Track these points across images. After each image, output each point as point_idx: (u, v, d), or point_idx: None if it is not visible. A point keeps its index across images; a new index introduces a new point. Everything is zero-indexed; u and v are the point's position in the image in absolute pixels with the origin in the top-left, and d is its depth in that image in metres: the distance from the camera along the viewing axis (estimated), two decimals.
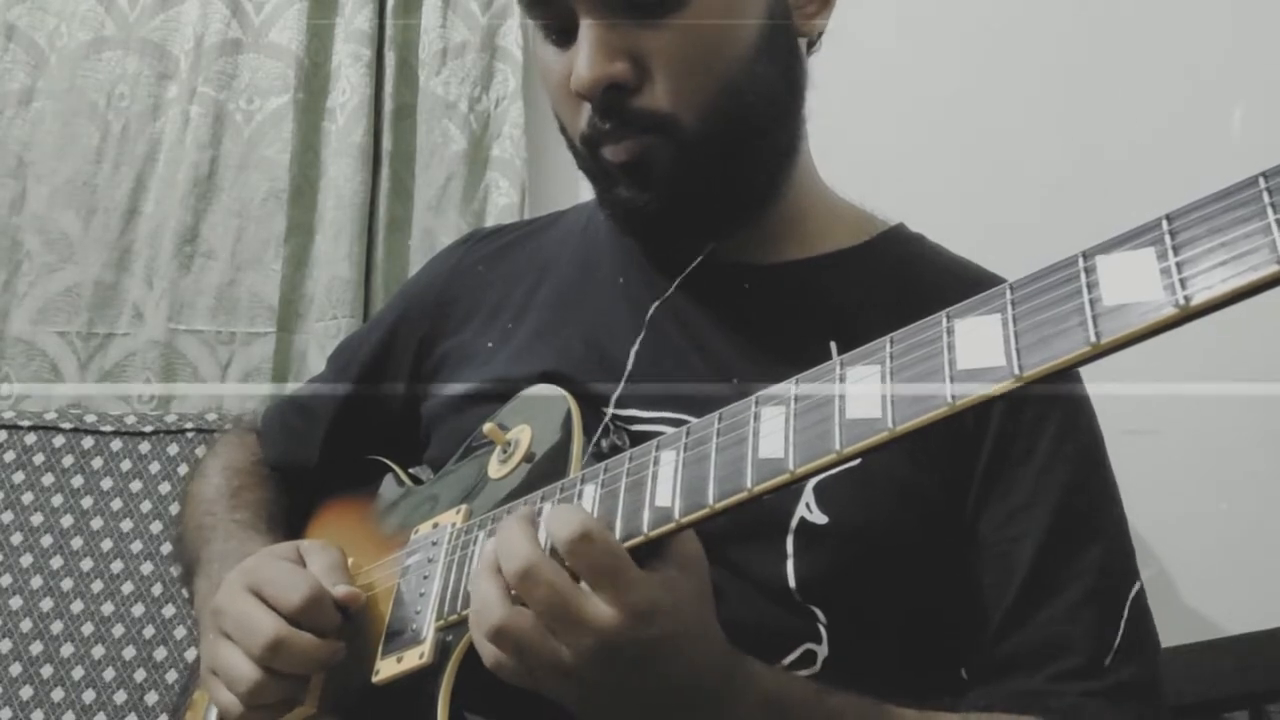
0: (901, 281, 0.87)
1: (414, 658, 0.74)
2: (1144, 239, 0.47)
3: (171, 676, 1.29)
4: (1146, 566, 0.83)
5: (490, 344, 0.94)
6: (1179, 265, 0.45)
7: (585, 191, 0.99)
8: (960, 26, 1.57)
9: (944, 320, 0.54)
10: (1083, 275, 0.49)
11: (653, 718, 0.65)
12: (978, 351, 0.51)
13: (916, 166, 1.51)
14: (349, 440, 1.03)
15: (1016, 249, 1.08)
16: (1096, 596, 0.78)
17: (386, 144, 1.72)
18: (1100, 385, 0.88)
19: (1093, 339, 0.47)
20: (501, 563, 0.63)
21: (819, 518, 0.77)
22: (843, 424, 0.55)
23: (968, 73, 1.56)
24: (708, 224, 0.86)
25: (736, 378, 0.83)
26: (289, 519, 1.01)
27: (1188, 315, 0.45)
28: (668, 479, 0.63)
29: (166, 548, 1.34)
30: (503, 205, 1.70)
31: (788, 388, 0.60)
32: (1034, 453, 0.81)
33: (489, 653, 0.65)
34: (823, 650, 0.77)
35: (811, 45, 0.89)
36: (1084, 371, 0.74)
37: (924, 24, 1.58)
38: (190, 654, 1.30)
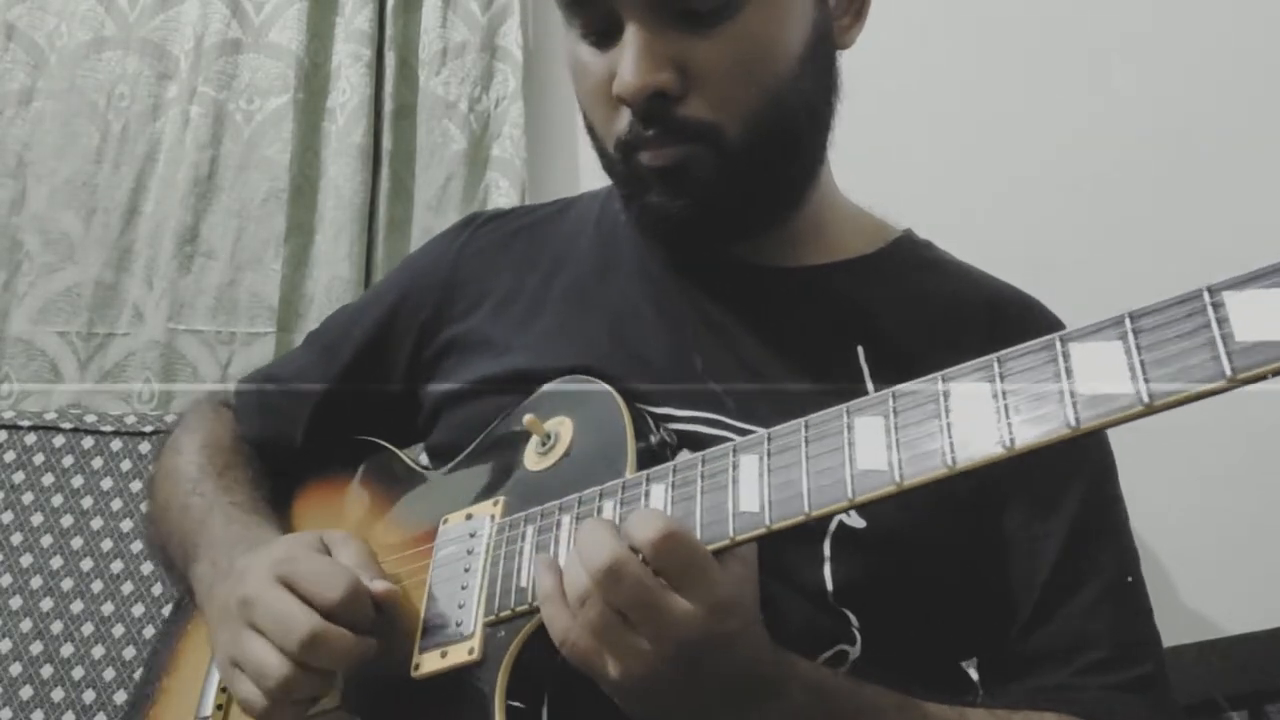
0: (920, 288, 0.89)
1: (462, 653, 0.73)
2: (1276, 278, 0.49)
3: None
4: (1146, 566, 0.84)
5: (505, 333, 0.93)
6: None
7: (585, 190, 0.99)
8: (976, 32, 1.57)
9: (1058, 344, 0.55)
10: (1210, 310, 0.50)
11: (711, 708, 0.66)
12: (1099, 377, 0.53)
13: (929, 172, 1.51)
14: (336, 421, 1.01)
15: (1017, 255, 1.09)
16: (1114, 593, 0.80)
17: (386, 144, 1.72)
18: None
19: (1228, 373, 0.49)
20: (584, 558, 0.64)
21: (857, 522, 0.78)
22: (953, 441, 0.56)
23: (981, 79, 1.55)
24: (736, 231, 0.86)
25: (767, 379, 0.83)
26: (277, 500, 0.99)
27: None
28: (751, 483, 0.64)
29: None
30: (503, 205, 1.70)
31: (885, 399, 0.61)
32: (1056, 457, 0.82)
33: (561, 627, 0.65)
34: (855, 651, 0.78)
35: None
36: None
37: (939, 29, 1.58)
38: None
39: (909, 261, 0.92)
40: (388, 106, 1.73)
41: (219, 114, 1.71)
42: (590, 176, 0.90)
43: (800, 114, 0.82)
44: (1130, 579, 0.82)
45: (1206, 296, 0.50)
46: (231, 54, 1.73)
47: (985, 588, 0.81)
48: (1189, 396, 0.50)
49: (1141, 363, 0.51)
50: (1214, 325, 0.50)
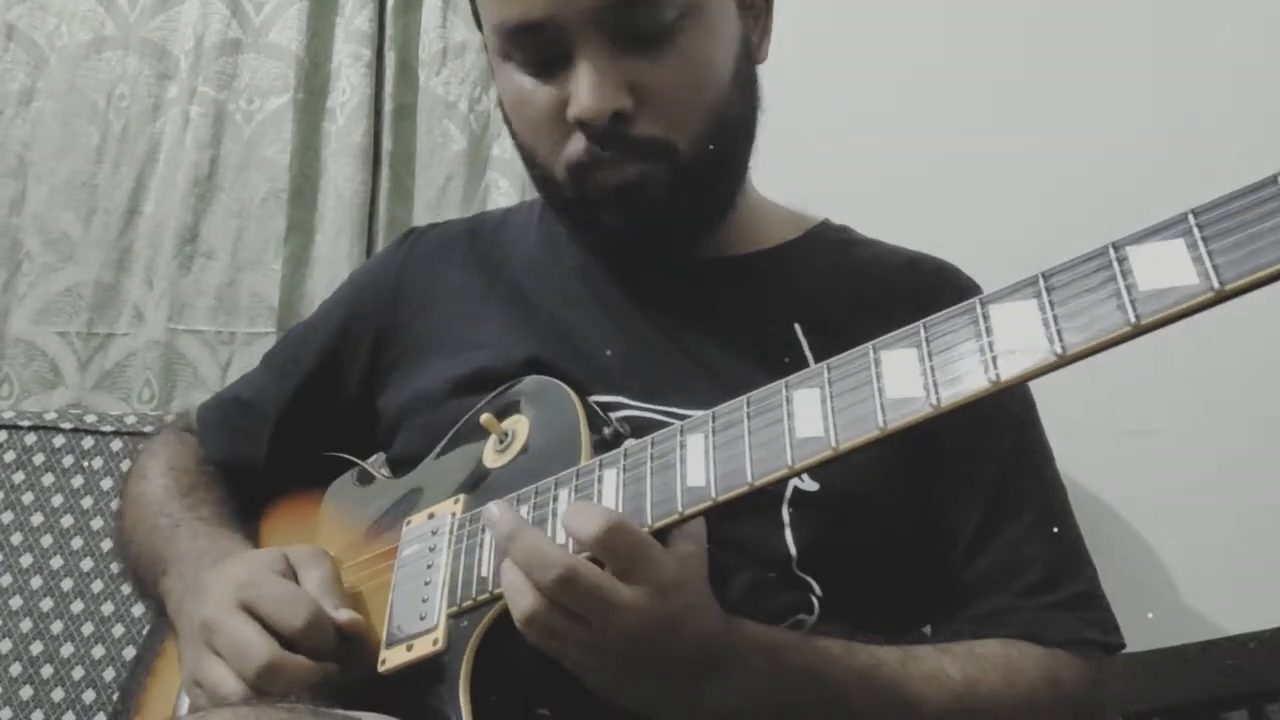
0: (845, 264, 0.95)
1: (427, 644, 0.74)
2: (1172, 231, 0.52)
3: None
4: (1149, 567, 0.85)
5: (457, 334, 0.95)
6: (1210, 254, 0.50)
7: None
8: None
9: (978, 306, 0.58)
10: (1115, 264, 0.54)
11: (668, 683, 0.68)
12: (1016, 333, 0.56)
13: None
14: (298, 438, 1.02)
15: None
16: (1045, 521, 0.86)
17: (386, 144, 1.72)
18: (1101, 385, 0.89)
19: (1132, 319, 0.52)
20: (535, 574, 0.65)
21: (810, 485, 0.81)
22: (884, 403, 0.59)
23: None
24: (683, 241, 0.91)
25: (712, 366, 0.87)
26: (244, 517, 0.99)
27: (1222, 298, 0.50)
28: (699, 460, 0.66)
29: None
30: (502, 205, 1.70)
31: (820, 371, 0.64)
32: (984, 406, 0.86)
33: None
34: (811, 619, 0.81)
35: None
36: (1084, 372, 0.75)
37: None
38: None
39: (831, 242, 0.99)
40: (388, 106, 1.73)
41: (219, 114, 1.71)
42: None
43: (736, 126, 0.89)
44: (1059, 507, 0.88)
45: (1112, 252, 0.54)
46: (231, 54, 1.73)
47: (931, 537, 0.85)
48: (1099, 345, 0.53)
49: (1055, 317, 0.55)
50: (1119, 278, 0.53)
